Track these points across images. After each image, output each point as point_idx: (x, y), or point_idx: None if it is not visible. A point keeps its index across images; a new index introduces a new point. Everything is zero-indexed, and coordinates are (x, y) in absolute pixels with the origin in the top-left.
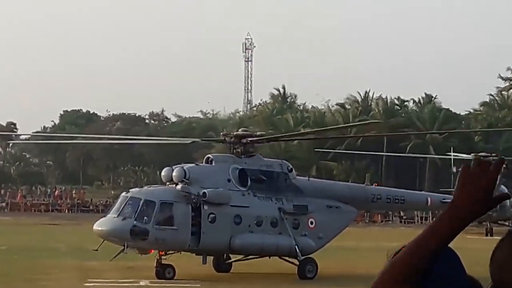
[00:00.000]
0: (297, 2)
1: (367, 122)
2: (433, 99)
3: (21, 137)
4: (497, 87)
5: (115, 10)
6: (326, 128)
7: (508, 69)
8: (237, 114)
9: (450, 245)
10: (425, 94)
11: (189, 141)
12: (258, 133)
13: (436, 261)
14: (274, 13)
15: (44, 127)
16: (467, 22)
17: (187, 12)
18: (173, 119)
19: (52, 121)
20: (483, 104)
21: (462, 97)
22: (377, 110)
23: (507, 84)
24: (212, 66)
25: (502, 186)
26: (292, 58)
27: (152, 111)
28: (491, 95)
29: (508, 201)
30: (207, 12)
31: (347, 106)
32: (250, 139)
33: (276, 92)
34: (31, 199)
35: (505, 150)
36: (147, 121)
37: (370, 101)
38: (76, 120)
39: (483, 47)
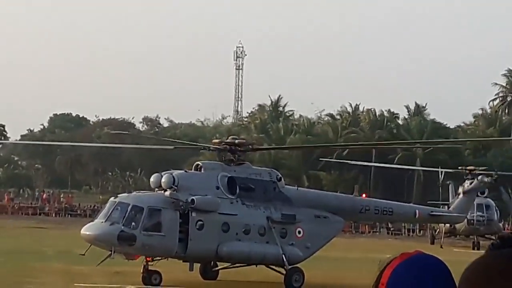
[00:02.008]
0: (289, 11)
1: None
2: (423, 109)
3: (10, 139)
4: (490, 101)
5: (108, 15)
6: (323, 145)
7: (495, 84)
8: (225, 120)
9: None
10: (416, 104)
11: (172, 147)
12: (248, 141)
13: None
14: (265, 22)
15: (32, 130)
16: (462, 33)
17: (179, 19)
18: (166, 124)
19: (41, 124)
20: (476, 117)
21: (454, 111)
22: (366, 122)
23: (496, 99)
24: (203, 73)
25: (489, 199)
26: (284, 67)
27: (146, 116)
28: (482, 109)
29: (495, 215)
30: (199, 19)
31: (337, 117)
32: (239, 147)
33: (265, 102)
34: (19, 202)
35: (494, 164)
36: (137, 126)
37: (359, 114)
38: (65, 124)
39: (477, 59)
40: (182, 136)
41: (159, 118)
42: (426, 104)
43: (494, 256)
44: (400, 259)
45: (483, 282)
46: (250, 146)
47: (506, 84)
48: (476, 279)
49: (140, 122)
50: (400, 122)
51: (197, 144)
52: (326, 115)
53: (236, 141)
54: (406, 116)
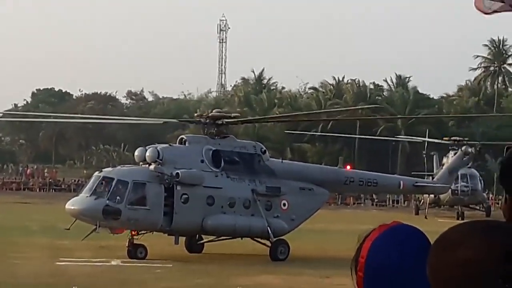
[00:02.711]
0: None
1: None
2: (406, 81)
3: None
4: (470, 69)
5: None
6: (303, 112)
7: (476, 56)
8: (210, 95)
9: (423, 228)
10: (396, 74)
11: (161, 122)
12: (232, 114)
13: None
14: None
15: (16, 105)
16: (444, 4)
17: None
18: (150, 98)
19: (25, 99)
20: (460, 88)
21: (439, 82)
22: (350, 94)
23: (479, 68)
24: (187, 47)
25: (473, 170)
26: (268, 39)
27: (130, 90)
28: (467, 80)
29: (480, 185)
30: None
31: (321, 89)
32: (224, 120)
33: (249, 75)
34: (3, 177)
35: (477, 135)
36: (122, 100)
37: (342, 85)
38: (48, 99)
39: (459, 30)
40: (166, 110)
41: (143, 92)
42: (409, 77)
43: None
44: (378, 231)
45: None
46: (234, 119)
47: (488, 55)
48: (451, 233)
49: (124, 97)
50: (384, 94)
51: (183, 119)
52: (310, 88)
53: (220, 114)
54: (391, 87)
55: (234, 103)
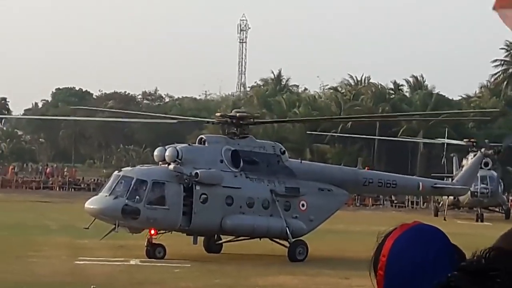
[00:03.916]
0: None
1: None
2: (424, 81)
3: (13, 114)
4: (492, 75)
5: None
6: (325, 117)
7: (495, 60)
8: (231, 96)
9: (442, 229)
10: (413, 76)
11: (177, 121)
12: (252, 115)
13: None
14: None
15: (35, 104)
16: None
17: None
18: (166, 99)
19: (44, 99)
20: (480, 91)
21: (458, 84)
22: (369, 95)
23: (499, 72)
24: (207, 48)
25: (493, 171)
26: (288, 40)
27: (145, 91)
28: (488, 81)
29: (500, 187)
30: None
31: (340, 89)
32: (245, 121)
33: (269, 75)
34: (23, 176)
35: (497, 136)
36: (139, 99)
37: (362, 86)
38: (68, 98)
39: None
40: (185, 110)
41: (158, 90)
42: (425, 77)
43: None
44: (400, 230)
45: None
46: (254, 120)
47: (505, 56)
48: None
49: (139, 95)
50: (404, 94)
51: (201, 118)
52: (330, 88)
53: (240, 114)
54: (411, 88)
55: (253, 104)
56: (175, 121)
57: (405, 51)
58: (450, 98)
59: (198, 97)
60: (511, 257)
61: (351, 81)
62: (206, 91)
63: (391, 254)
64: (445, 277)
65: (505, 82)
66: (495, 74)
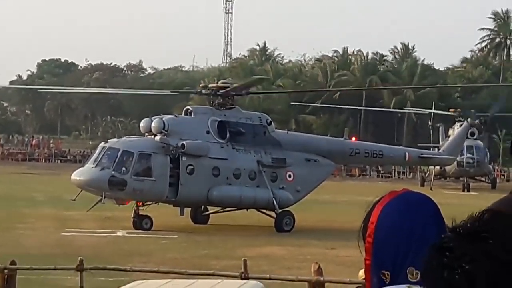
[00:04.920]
0: None
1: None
2: (411, 51)
3: None
4: (476, 44)
5: None
6: (316, 90)
7: (481, 29)
8: (217, 67)
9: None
10: (402, 44)
11: (166, 93)
12: (238, 85)
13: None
14: None
15: (20, 76)
16: None
17: None
18: (151, 71)
19: (28, 70)
20: (464, 60)
21: (444, 53)
22: (356, 65)
23: (485, 41)
24: (193, 19)
25: (479, 141)
26: (273, 12)
27: (129, 62)
28: (472, 51)
29: (485, 157)
30: None
31: (324, 61)
32: (230, 91)
33: (255, 47)
34: (8, 148)
35: (482, 106)
36: (125, 72)
37: (349, 56)
38: (54, 70)
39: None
40: (170, 81)
41: (142, 62)
42: (414, 46)
43: None
44: (389, 197)
45: None
46: (240, 90)
47: (494, 27)
48: None
49: (125, 69)
50: (390, 64)
51: (189, 90)
52: (316, 59)
53: (226, 85)
54: (397, 58)
55: (239, 74)
56: (166, 92)
57: (390, 22)
58: (437, 68)
59: (184, 69)
60: (504, 219)
61: (336, 53)
62: (195, 63)
63: (379, 220)
64: (438, 238)
65: (491, 52)
66: (481, 43)
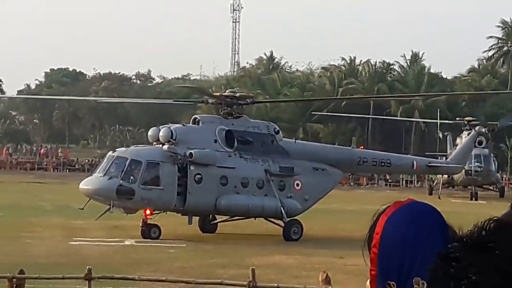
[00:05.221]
0: None
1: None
2: (419, 59)
3: (7, 94)
4: (484, 51)
5: None
6: (323, 98)
7: (489, 37)
8: (225, 76)
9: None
10: (412, 52)
11: (169, 101)
12: (246, 94)
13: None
14: None
15: (28, 85)
16: None
17: None
18: (159, 80)
19: (36, 79)
20: (471, 70)
21: (452, 61)
22: (364, 74)
23: (492, 50)
24: (200, 27)
25: (487, 150)
26: (280, 20)
27: (138, 72)
28: (479, 59)
29: (493, 165)
30: None
31: (331, 71)
32: (238, 101)
33: (262, 56)
34: (17, 157)
35: (490, 115)
36: (133, 80)
37: (357, 66)
38: (61, 79)
39: (471, 10)
40: (177, 90)
41: (151, 72)
42: (423, 54)
43: None
44: (393, 208)
45: None
46: (248, 100)
47: (502, 35)
48: None
49: (133, 78)
50: (397, 72)
51: (196, 99)
52: (322, 68)
53: (234, 94)
54: (404, 65)
55: (247, 83)
56: (170, 101)
57: (397, 31)
58: (444, 76)
59: (191, 78)
60: (511, 230)
61: (344, 62)
62: (201, 72)
63: (384, 231)
64: (444, 248)
65: (500, 61)
66: (490, 51)
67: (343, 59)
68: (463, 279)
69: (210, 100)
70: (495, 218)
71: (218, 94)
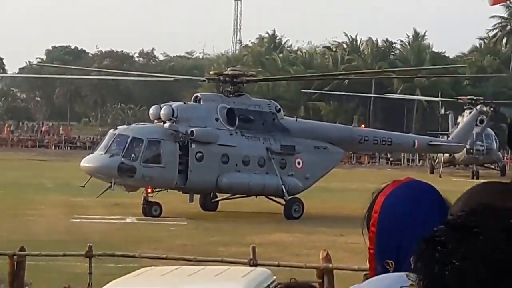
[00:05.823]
0: None
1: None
2: (421, 38)
3: (8, 72)
4: (487, 30)
5: None
6: (325, 74)
7: (492, 16)
8: (226, 54)
9: (438, 187)
10: (414, 30)
11: (173, 79)
12: (248, 73)
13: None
14: None
15: (29, 62)
16: None
17: None
18: (162, 58)
19: (38, 57)
20: (473, 50)
21: (452, 41)
22: (366, 53)
23: (495, 29)
24: (203, 5)
25: (488, 129)
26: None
27: (142, 50)
28: (480, 39)
29: (495, 144)
30: None
31: (333, 49)
32: (240, 78)
33: (264, 35)
34: (18, 134)
35: (492, 94)
36: (136, 59)
37: (359, 44)
38: (63, 57)
39: None
40: (179, 68)
41: (155, 50)
42: (425, 32)
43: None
44: (392, 187)
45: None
46: (249, 78)
47: (506, 14)
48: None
49: (135, 54)
50: (399, 51)
51: (197, 77)
52: (324, 47)
53: (235, 72)
54: (406, 43)
55: (248, 62)
56: (171, 79)
57: (399, 9)
58: (446, 55)
59: (193, 56)
60: (496, 214)
61: (346, 40)
62: (202, 50)
63: (382, 210)
64: (431, 231)
65: (503, 40)
66: (492, 30)
67: (346, 35)
68: (447, 264)
69: (213, 78)
70: (482, 202)
71: (219, 72)
